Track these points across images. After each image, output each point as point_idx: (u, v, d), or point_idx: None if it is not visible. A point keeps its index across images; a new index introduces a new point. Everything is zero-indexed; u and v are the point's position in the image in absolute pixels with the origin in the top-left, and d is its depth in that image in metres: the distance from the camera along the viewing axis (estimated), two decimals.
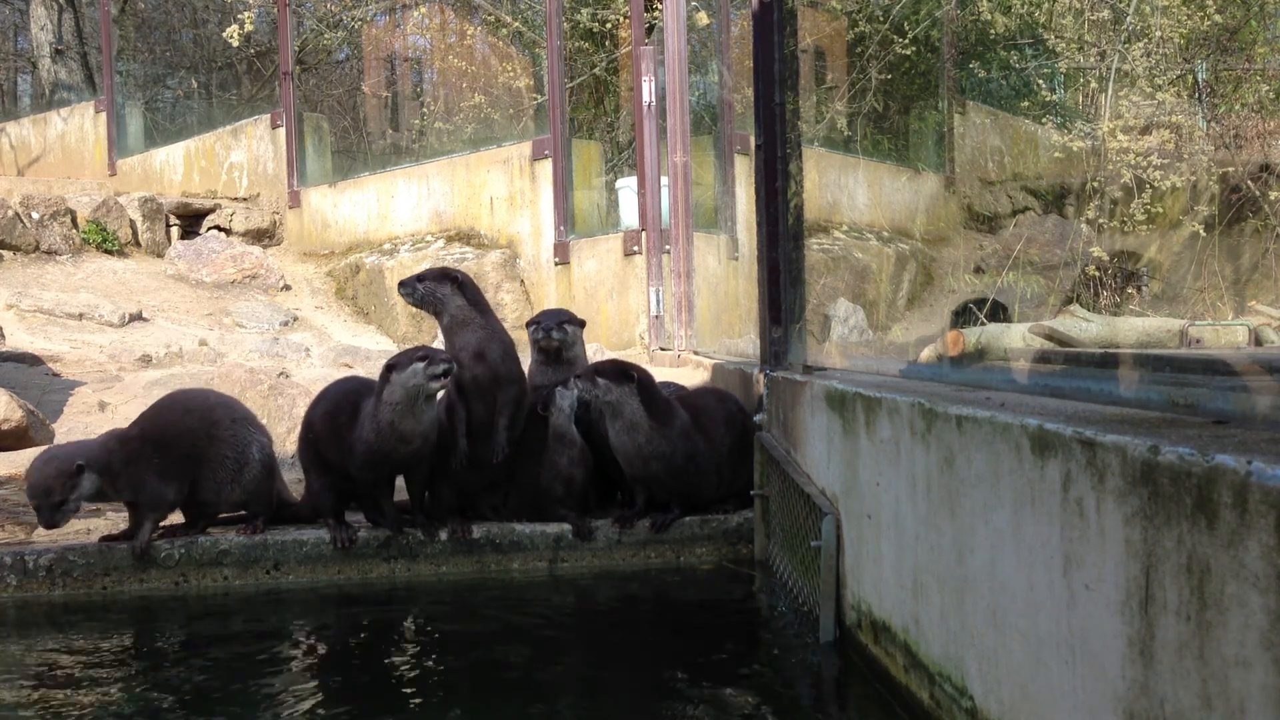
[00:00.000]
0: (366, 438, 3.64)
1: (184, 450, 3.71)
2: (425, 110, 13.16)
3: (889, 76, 12.18)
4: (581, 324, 4.27)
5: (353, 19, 13.29)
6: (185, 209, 11.89)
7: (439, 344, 9.75)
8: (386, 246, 11.03)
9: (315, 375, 7.20)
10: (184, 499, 3.79)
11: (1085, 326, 6.78)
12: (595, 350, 7.67)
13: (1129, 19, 11.06)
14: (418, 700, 2.65)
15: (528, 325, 4.27)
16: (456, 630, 3.44)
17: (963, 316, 9.10)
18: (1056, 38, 11.95)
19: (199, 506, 3.84)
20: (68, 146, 14.85)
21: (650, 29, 9.29)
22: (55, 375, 7.27)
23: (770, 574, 3.67)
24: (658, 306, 8.41)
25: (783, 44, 3.85)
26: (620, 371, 3.78)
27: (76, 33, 17.18)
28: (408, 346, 9.78)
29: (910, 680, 2.33)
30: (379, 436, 3.62)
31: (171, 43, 16.91)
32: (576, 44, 12.08)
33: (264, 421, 5.26)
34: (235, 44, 13.11)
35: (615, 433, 3.80)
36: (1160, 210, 10.65)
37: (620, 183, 9.77)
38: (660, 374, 5.56)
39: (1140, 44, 10.90)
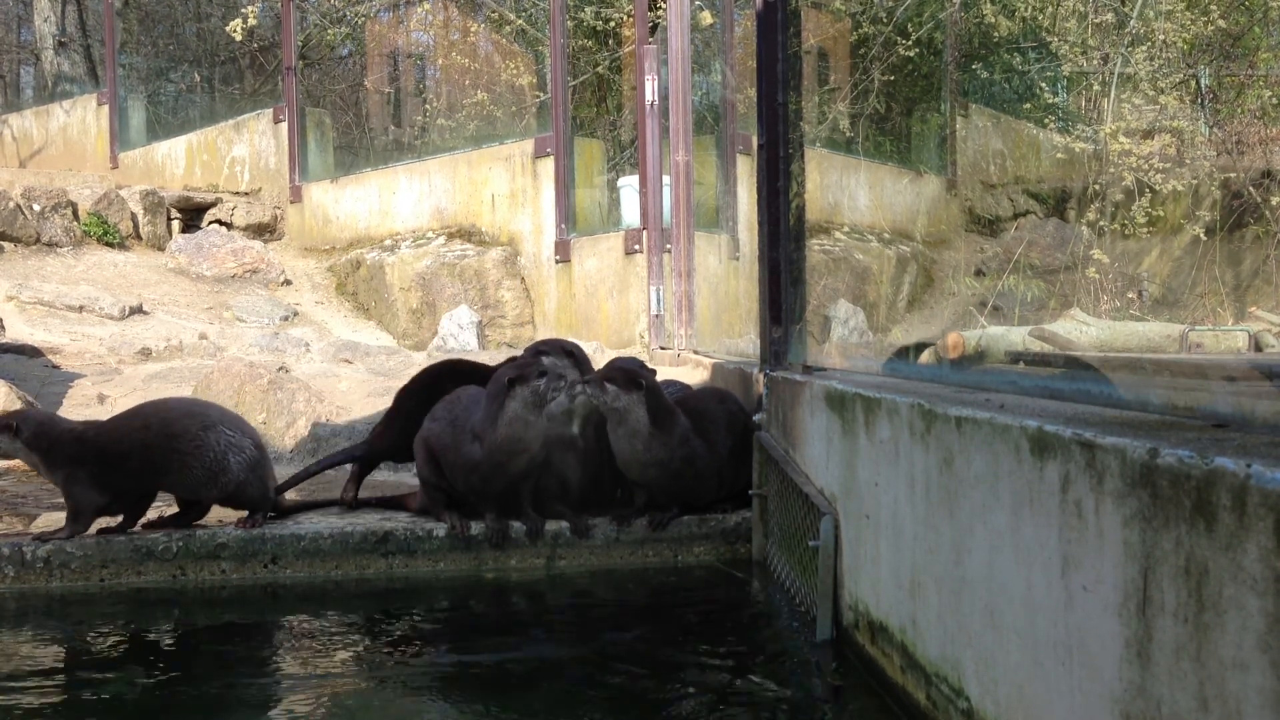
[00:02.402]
0: (475, 453, 3.73)
1: (136, 464, 3.66)
2: (428, 107, 13.16)
3: (892, 78, 12.18)
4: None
5: (356, 14, 13.30)
6: (186, 203, 11.89)
7: (438, 340, 9.66)
8: (387, 243, 11.03)
9: (315, 370, 7.21)
10: (134, 501, 3.80)
11: (1085, 330, 6.79)
12: (595, 349, 7.67)
13: (1132, 23, 11.06)
14: (412, 699, 2.65)
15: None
16: (453, 627, 3.44)
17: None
18: (1059, 41, 11.95)
19: (183, 504, 3.87)
20: (70, 139, 14.85)
21: (654, 28, 9.29)
22: (55, 367, 7.27)
23: (768, 573, 3.67)
24: (658, 305, 8.41)
25: (786, 44, 3.84)
26: (630, 379, 3.76)
27: (80, 25, 17.18)
28: (408, 343, 9.83)
29: (907, 681, 2.34)
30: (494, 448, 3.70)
31: (175, 36, 16.91)
32: (580, 42, 12.08)
33: (262, 416, 5.28)
34: (238, 38, 13.10)
35: (616, 438, 3.78)
36: (1161, 215, 10.65)
37: (622, 181, 9.77)
38: (661, 373, 5.56)
39: (1143, 48, 10.90)
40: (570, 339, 4.84)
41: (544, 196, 9.99)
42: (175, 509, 3.94)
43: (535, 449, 3.72)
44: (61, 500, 4.40)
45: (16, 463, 5.42)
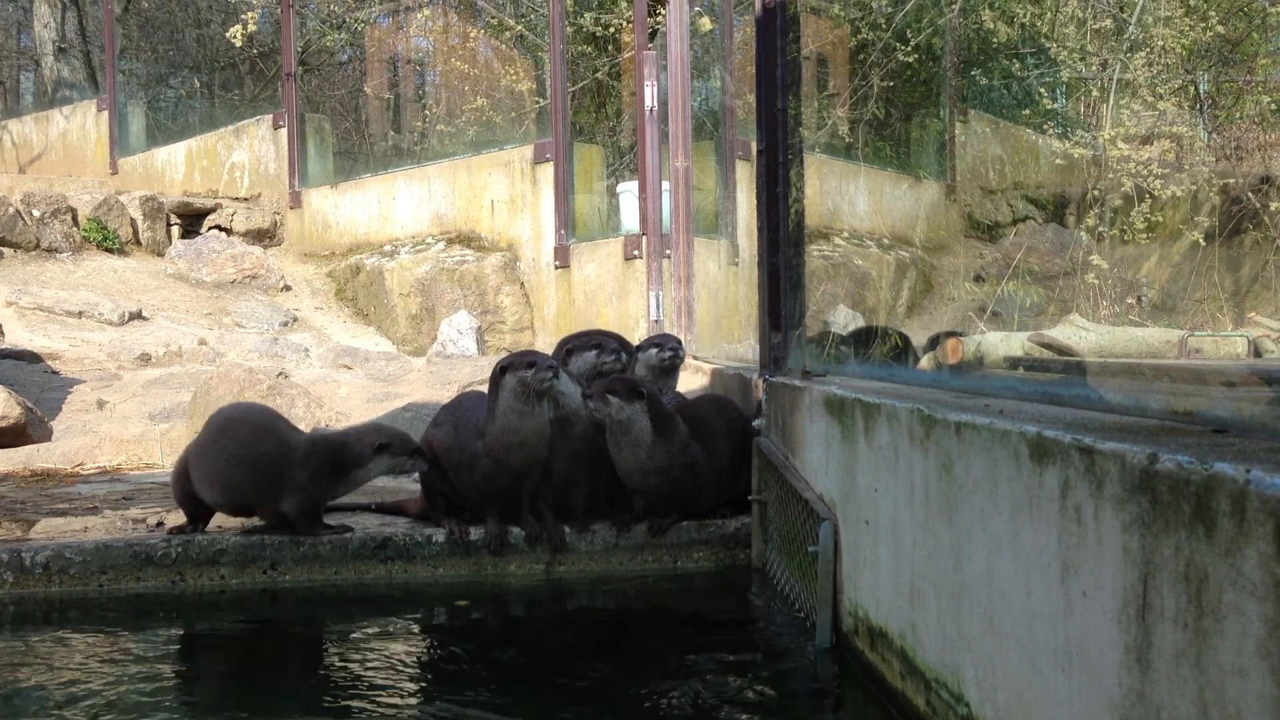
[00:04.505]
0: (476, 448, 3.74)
1: None
2: (427, 112, 13.17)
3: (891, 84, 12.19)
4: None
5: (356, 20, 13.30)
6: (186, 208, 11.89)
7: (437, 345, 9.66)
8: (387, 248, 11.03)
9: (314, 376, 7.21)
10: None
11: (1084, 336, 6.79)
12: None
13: (1131, 29, 11.08)
14: (411, 704, 2.64)
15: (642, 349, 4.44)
16: (451, 633, 3.44)
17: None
18: (1059, 47, 11.96)
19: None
20: (69, 144, 14.85)
21: (653, 34, 9.30)
22: (54, 373, 7.27)
23: (767, 579, 3.66)
24: (657, 311, 8.41)
25: (786, 49, 3.85)
26: (631, 390, 3.76)
27: (80, 31, 17.19)
28: (407, 348, 9.83)
29: (906, 686, 2.33)
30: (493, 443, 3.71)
31: (174, 42, 16.93)
32: (579, 48, 12.09)
33: None
34: (238, 44, 13.11)
35: (619, 448, 3.77)
36: (1160, 220, 10.65)
37: (621, 187, 9.77)
38: None
39: (1142, 54, 10.91)
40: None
41: (543, 202, 10.00)
42: (172, 517, 3.93)
43: (533, 442, 3.69)
44: (59, 507, 4.41)
45: (15, 468, 5.42)
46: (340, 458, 3.70)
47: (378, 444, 3.69)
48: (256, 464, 3.66)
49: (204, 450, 3.73)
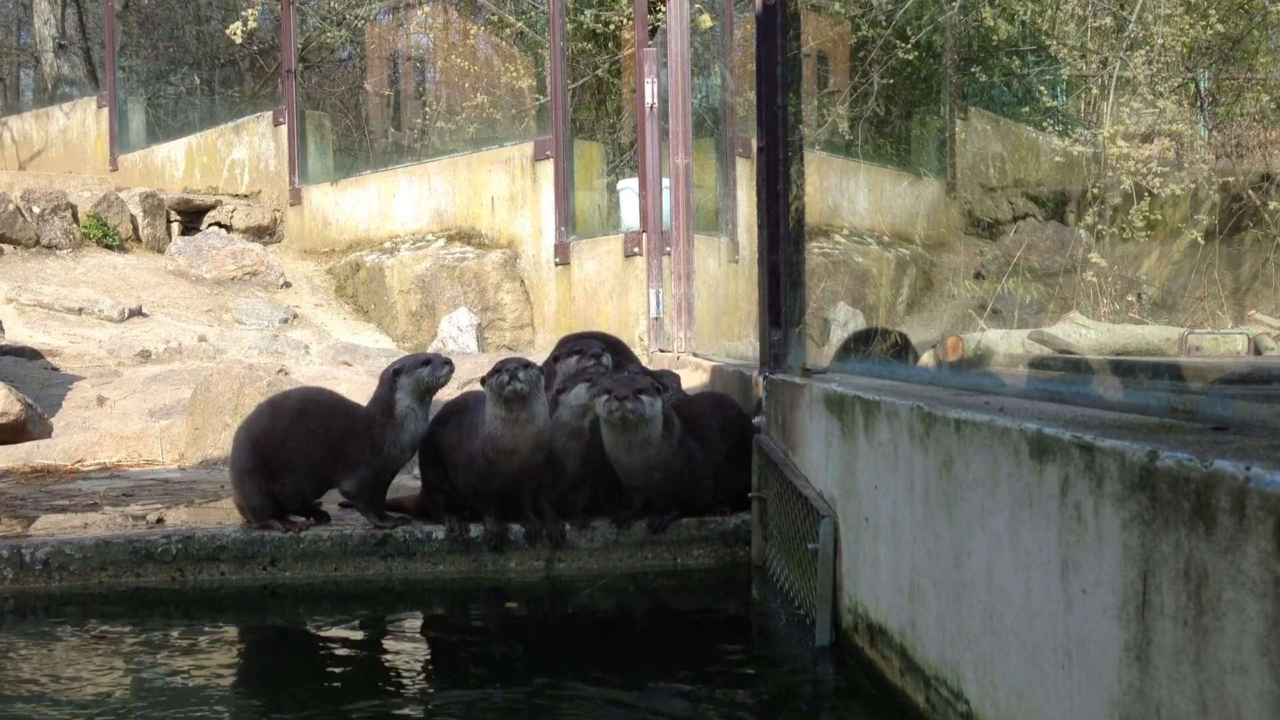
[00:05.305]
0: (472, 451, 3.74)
1: None
2: (427, 109, 13.17)
3: (891, 81, 12.19)
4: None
5: (356, 17, 13.30)
6: (186, 205, 11.89)
7: (436, 344, 9.67)
8: (387, 245, 11.03)
9: (314, 373, 7.20)
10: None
11: (1084, 333, 6.79)
12: None
13: (1131, 27, 11.08)
14: (410, 702, 2.65)
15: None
16: (451, 630, 3.44)
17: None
18: (1059, 44, 11.96)
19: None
20: (69, 141, 14.85)
21: (653, 31, 9.30)
22: (54, 369, 7.27)
23: (767, 576, 3.67)
24: (658, 308, 8.41)
25: (786, 47, 3.84)
26: (656, 388, 3.74)
27: (80, 28, 17.19)
28: (407, 345, 9.82)
29: (906, 684, 2.33)
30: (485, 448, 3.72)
31: (174, 39, 16.92)
32: (579, 45, 12.09)
33: None
34: (238, 41, 13.11)
35: (629, 446, 3.71)
36: (1160, 218, 10.66)
37: (621, 184, 9.77)
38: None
39: (1142, 52, 10.91)
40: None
41: (543, 199, 10.00)
42: (171, 514, 3.93)
43: (526, 450, 3.67)
44: (59, 504, 4.41)
45: (15, 465, 5.42)
46: (379, 411, 3.80)
47: (391, 371, 3.82)
48: (335, 440, 3.78)
49: (286, 434, 3.78)
